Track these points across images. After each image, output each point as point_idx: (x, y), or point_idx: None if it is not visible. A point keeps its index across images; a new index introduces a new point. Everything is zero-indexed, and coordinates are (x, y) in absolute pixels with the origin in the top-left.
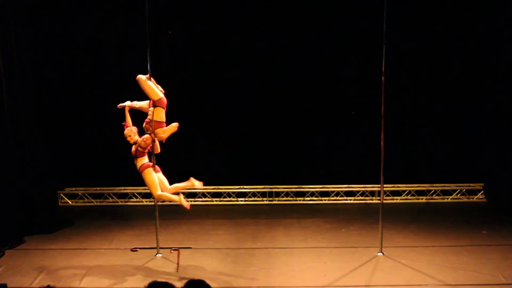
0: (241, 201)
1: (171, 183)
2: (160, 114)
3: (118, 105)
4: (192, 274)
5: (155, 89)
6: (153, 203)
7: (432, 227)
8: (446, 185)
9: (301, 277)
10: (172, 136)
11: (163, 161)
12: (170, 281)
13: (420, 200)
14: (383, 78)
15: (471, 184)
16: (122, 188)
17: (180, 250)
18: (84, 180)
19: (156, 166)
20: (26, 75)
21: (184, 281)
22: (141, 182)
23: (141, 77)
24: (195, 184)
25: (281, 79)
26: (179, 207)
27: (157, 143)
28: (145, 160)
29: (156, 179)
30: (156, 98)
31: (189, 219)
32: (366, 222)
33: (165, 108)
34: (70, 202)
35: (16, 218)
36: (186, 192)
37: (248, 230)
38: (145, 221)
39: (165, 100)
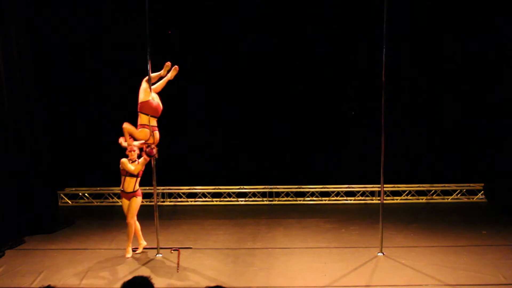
0: (241, 201)
1: (172, 183)
2: (142, 117)
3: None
4: (192, 274)
5: (141, 92)
6: (153, 203)
7: (432, 227)
8: (446, 185)
9: (301, 277)
10: (173, 136)
11: (163, 161)
12: (170, 281)
13: (420, 200)
14: (383, 78)
15: (471, 184)
16: None
17: (180, 250)
18: (84, 180)
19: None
20: (26, 76)
21: (184, 281)
22: (141, 182)
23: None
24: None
25: (281, 79)
26: (179, 207)
27: (156, 134)
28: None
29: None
30: (139, 101)
31: (189, 219)
32: (366, 222)
33: (147, 112)
34: (70, 202)
35: (16, 218)
36: (187, 192)
37: (248, 230)
38: (145, 221)
39: (147, 104)
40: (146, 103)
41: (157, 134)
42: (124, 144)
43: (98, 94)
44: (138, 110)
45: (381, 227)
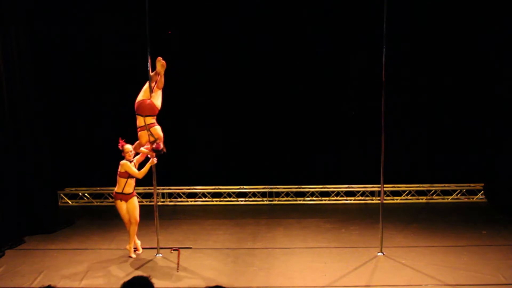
0: (241, 201)
1: (172, 183)
2: (138, 119)
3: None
4: (192, 274)
5: (140, 93)
6: (152, 203)
7: (432, 227)
8: (446, 185)
9: (301, 277)
10: (173, 136)
11: (163, 161)
12: (170, 281)
13: (420, 200)
14: (383, 78)
15: (471, 184)
16: None
17: (180, 250)
18: (84, 180)
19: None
20: (26, 76)
21: (184, 281)
22: (141, 182)
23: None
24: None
25: (281, 79)
26: (179, 207)
27: (154, 130)
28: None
29: None
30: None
31: (189, 219)
32: (366, 222)
33: (142, 112)
34: (70, 202)
35: (16, 218)
36: (187, 192)
37: (248, 230)
38: (145, 221)
39: (141, 104)
40: (140, 103)
41: (156, 129)
42: (144, 150)
43: (98, 94)
44: (135, 112)
45: (381, 227)
